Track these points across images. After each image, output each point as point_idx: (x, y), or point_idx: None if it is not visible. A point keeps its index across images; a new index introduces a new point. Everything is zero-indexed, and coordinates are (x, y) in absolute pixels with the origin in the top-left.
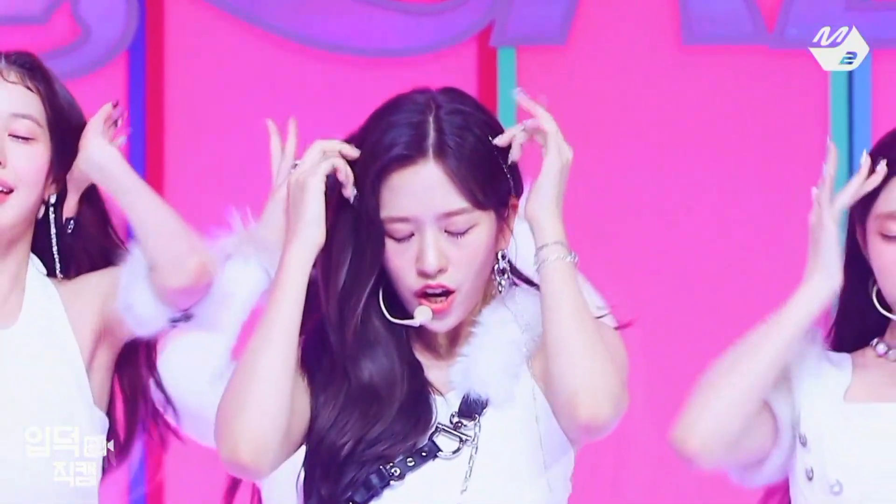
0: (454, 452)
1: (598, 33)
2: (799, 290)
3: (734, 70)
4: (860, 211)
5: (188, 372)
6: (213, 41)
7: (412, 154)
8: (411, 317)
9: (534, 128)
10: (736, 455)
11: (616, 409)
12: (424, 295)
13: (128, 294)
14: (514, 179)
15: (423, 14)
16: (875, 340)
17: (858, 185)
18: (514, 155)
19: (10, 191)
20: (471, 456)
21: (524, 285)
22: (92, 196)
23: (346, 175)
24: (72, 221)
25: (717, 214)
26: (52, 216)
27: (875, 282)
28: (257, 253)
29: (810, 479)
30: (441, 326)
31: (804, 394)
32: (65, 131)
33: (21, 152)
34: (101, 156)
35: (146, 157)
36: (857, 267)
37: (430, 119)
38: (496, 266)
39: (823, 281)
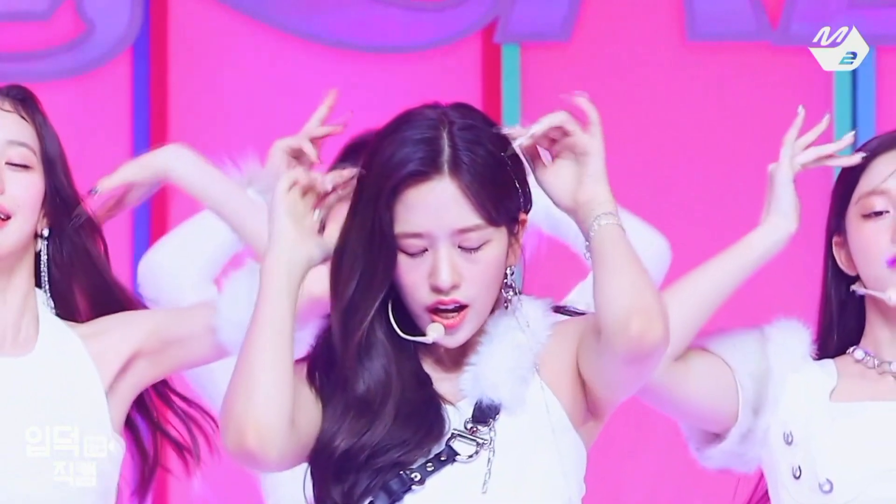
0: (471, 457)
1: (603, 30)
2: (756, 229)
3: (738, 67)
4: (838, 206)
5: (172, 271)
6: (216, 37)
7: (427, 170)
8: (421, 331)
9: (583, 106)
10: (679, 382)
11: (666, 332)
12: (436, 311)
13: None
14: (524, 195)
15: (427, 10)
16: (852, 348)
17: (825, 152)
18: (534, 130)
19: (9, 217)
20: (489, 459)
21: (527, 297)
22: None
23: (309, 181)
24: (78, 217)
25: (720, 211)
26: (44, 248)
27: (857, 277)
28: (249, 184)
29: (797, 477)
30: (452, 342)
31: (789, 391)
32: (54, 165)
33: (18, 179)
34: (184, 152)
35: None
36: (836, 277)
37: (444, 135)
38: (505, 281)
39: (781, 220)
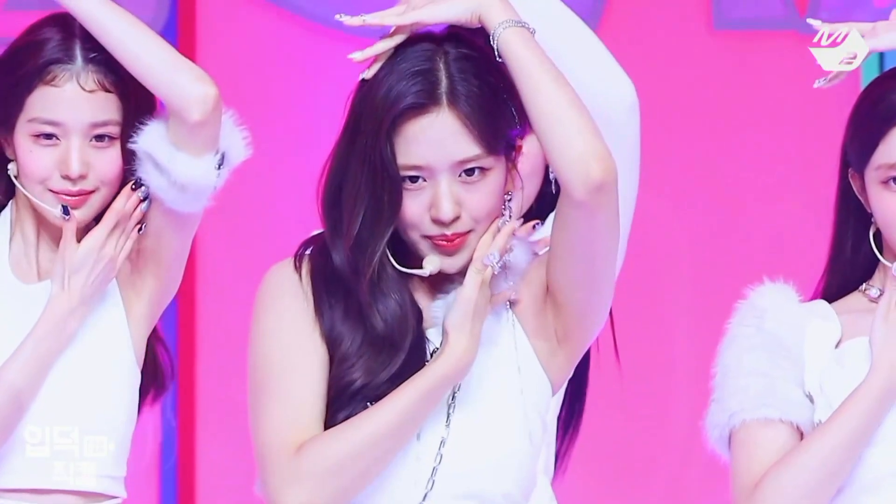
0: None
1: (630, 18)
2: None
3: (765, 55)
4: (857, 160)
5: None
6: (244, 25)
7: (426, 102)
8: (418, 262)
9: None
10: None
11: (614, 162)
12: (437, 240)
13: (165, 165)
14: (520, 122)
15: None
16: (864, 286)
17: None
18: None
19: (94, 191)
20: (453, 393)
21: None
22: None
23: None
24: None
25: (746, 198)
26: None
27: (874, 224)
28: None
29: None
30: (451, 266)
31: (804, 356)
32: (134, 104)
33: (103, 157)
34: None
35: None
36: (852, 211)
37: (441, 66)
38: (502, 208)
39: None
